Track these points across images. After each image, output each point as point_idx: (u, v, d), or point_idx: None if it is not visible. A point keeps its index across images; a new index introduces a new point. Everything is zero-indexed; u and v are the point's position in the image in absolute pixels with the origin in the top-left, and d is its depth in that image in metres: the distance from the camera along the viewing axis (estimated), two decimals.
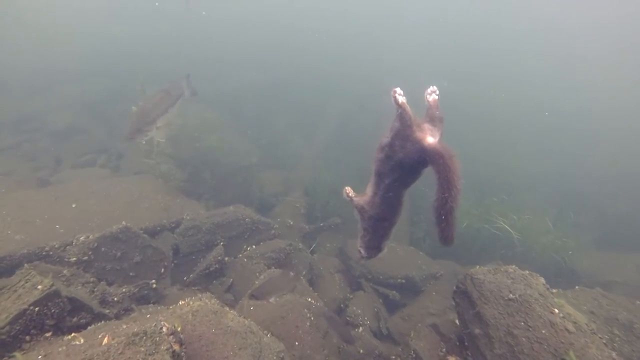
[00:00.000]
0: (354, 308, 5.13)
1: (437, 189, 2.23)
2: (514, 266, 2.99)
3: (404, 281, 5.75)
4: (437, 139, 2.33)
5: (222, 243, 5.24)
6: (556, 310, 2.55)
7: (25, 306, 2.61)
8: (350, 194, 3.00)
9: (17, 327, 2.55)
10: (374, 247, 3.03)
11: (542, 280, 2.92)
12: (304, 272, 5.40)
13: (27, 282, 2.73)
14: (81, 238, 4.37)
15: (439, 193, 2.21)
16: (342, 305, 5.27)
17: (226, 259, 5.08)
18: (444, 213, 2.17)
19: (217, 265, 4.88)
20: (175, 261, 5.04)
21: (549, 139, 10.56)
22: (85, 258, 4.21)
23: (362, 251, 3.07)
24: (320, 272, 5.59)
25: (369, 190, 2.81)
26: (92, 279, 4.14)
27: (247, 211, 5.60)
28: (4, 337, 2.49)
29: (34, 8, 14.69)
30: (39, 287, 2.66)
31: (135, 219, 5.00)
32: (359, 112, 9.47)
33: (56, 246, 4.22)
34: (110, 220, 4.86)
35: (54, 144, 7.86)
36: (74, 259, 4.18)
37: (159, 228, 5.09)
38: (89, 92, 9.91)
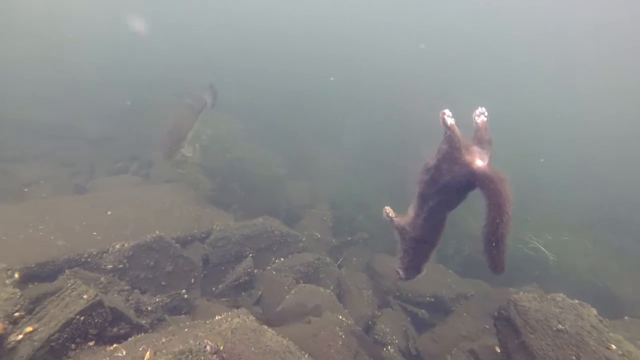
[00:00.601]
0: (382, 326, 5.02)
1: (487, 214, 2.17)
2: (561, 294, 2.85)
3: (433, 300, 5.62)
4: (486, 162, 2.27)
5: (250, 255, 5.26)
6: (613, 347, 2.40)
7: (72, 315, 2.68)
8: (390, 214, 2.95)
9: (65, 335, 2.62)
10: (414, 268, 2.97)
11: (594, 311, 2.77)
12: (331, 287, 5.35)
13: (73, 291, 2.80)
14: (117, 246, 4.48)
15: (489, 219, 2.14)
16: (369, 323, 5.17)
17: (255, 271, 5.09)
18: (495, 240, 2.10)
19: (246, 277, 4.89)
20: (204, 271, 5.08)
21: (583, 151, 10.16)
22: (121, 266, 4.29)
23: (401, 272, 3.01)
24: (348, 288, 5.53)
25: (411, 212, 2.76)
26: (126, 287, 4.22)
27: (276, 223, 5.61)
28: (53, 344, 2.56)
29: (60, 23, 15.42)
30: (85, 296, 2.73)
31: (167, 228, 5.09)
32: (384, 124, 9.43)
33: (94, 253, 4.33)
34: (143, 228, 4.96)
35: (88, 151, 8.13)
36: (110, 266, 4.28)
37: (189, 238, 5.15)
38: (118, 101, 10.28)
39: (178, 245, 4.75)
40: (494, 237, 2.08)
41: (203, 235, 5.30)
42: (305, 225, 6.54)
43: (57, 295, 2.86)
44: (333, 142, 8.69)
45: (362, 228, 6.75)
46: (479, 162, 2.23)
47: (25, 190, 6.44)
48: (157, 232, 4.64)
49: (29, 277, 3.86)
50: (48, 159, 7.64)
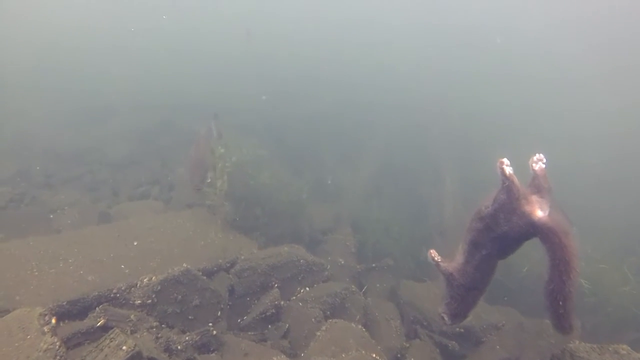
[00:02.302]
0: (412, 359, 4.85)
1: (551, 269, 2.05)
2: (625, 346, 2.68)
3: (462, 330, 5.41)
4: (547, 213, 2.16)
5: (276, 285, 5.17)
6: None
7: None
8: (436, 258, 2.84)
9: None
10: (460, 315, 2.85)
11: None
12: (357, 317, 5.21)
13: (112, 342, 2.74)
14: (145, 280, 4.44)
15: (554, 275, 2.02)
16: (398, 355, 4.99)
17: (282, 302, 4.98)
18: (562, 299, 1.97)
19: (273, 310, 4.80)
20: (230, 302, 5.00)
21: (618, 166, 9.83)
22: (149, 301, 4.25)
23: (447, 318, 2.88)
24: (375, 318, 5.37)
25: (460, 258, 2.65)
26: (155, 324, 4.18)
27: (301, 252, 5.53)
28: None
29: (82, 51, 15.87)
30: (124, 347, 2.66)
31: (193, 258, 5.05)
32: (404, 146, 9.35)
33: (123, 288, 4.30)
34: (169, 259, 4.94)
35: (111, 175, 8.23)
36: (139, 301, 4.23)
37: (215, 268, 5.10)
38: (140, 125, 10.43)
39: (205, 277, 4.69)
40: (560, 295, 1.96)
41: (228, 265, 5.25)
42: (328, 251, 6.44)
43: (95, 345, 2.80)
44: (354, 164, 8.63)
45: (386, 253, 6.61)
46: (540, 213, 2.13)
47: (51, 216, 6.52)
48: (184, 264, 4.59)
49: (60, 316, 3.84)
50: (73, 184, 7.75)
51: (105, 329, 3.83)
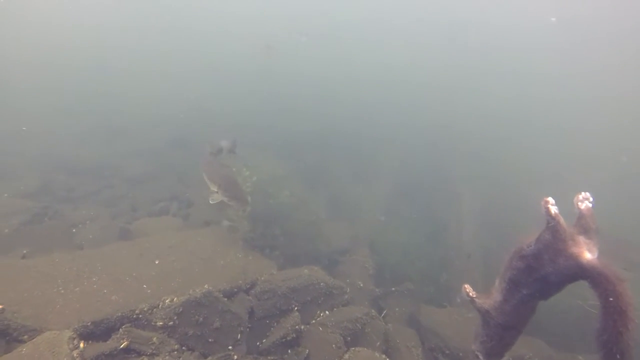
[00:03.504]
0: None
1: (603, 317, 1.95)
2: None
3: None
4: (595, 255, 2.08)
5: (296, 309, 5.10)
6: None
7: None
8: (470, 294, 2.76)
9: None
10: (496, 354, 2.73)
11: None
12: (377, 343, 5.10)
13: None
14: (167, 301, 4.44)
15: (606, 324, 1.92)
16: None
17: (302, 327, 4.90)
18: (619, 351, 1.86)
19: (294, 335, 4.72)
20: (249, 325, 4.94)
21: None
22: (171, 323, 4.22)
23: (481, 357, 2.77)
24: (396, 345, 5.24)
25: (497, 296, 2.56)
26: (176, 346, 4.15)
27: (321, 274, 5.47)
28: None
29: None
30: None
31: (213, 278, 5.03)
32: (419, 164, 9.29)
33: (145, 309, 4.29)
34: (190, 280, 4.93)
35: (129, 190, 8.34)
36: (160, 323, 4.21)
37: (235, 289, 5.07)
38: (157, 141, 10.62)
39: (226, 299, 4.66)
40: (617, 348, 1.86)
41: (248, 286, 5.21)
42: (346, 273, 6.37)
43: None
44: (370, 181, 8.59)
45: (405, 276, 6.49)
46: (588, 255, 2.05)
47: (74, 230, 6.60)
48: (205, 286, 4.58)
49: (84, 336, 3.84)
50: (92, 199, 7.87)
51: (127, 351, 3.82)
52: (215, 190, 4.92)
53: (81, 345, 3.08)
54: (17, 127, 10.19)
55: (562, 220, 2.12)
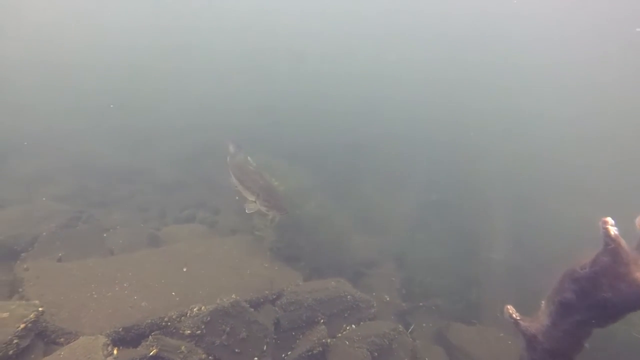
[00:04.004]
0: None
1: None
2: None
3: None
4: None
5: (322, 321, 5.02)
6: None
7: None
8: (514, 316, 2.61)
9: None
10: None
11: None
12: None
13: None
14: (195, 309, 4.45)
15: None
16: None
17: (328, 340, 4.81)
18: None
19: (320, 348, 4.65)
20: (274, 336, 4.89)
21: None
22: (199, 332, 4.22)
23: None
24: None
25: (546, 319, 2.41)
26: (203, 356, 4.14)
27: (348, 287, 5.39)
28: None
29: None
30: None
31: (240, 288, 5.03)
32: (448, 179, 9.06)
33: (174, 317, 4.33)
34: (217, 288, 4.95)
35: (160, 196, 8.54)
36: (188, 331, 4.22)
37: (261, 300, 5.04)
38: (189, 146, 10.85)
39: (252, 309, 4.64)
40: None
41: (274, 297, 5.18)
42: (372, 286, 6.25)
43: None
44: (397, 194, 8.44)
45: (434, 291, 6.29)
46: None
47: (105, 235, 6.78)
48: (233, 295, 4.57)
49: (115, 342, 3.90)
50: (126, 204, 8.10)
51: (156, 358, 3.84)
52: (254, 199, 4.91)
53: (115, 351, 3.12)
54: (55, 131, 10.58)
55: (623, 242, 1.97)
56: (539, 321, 2.45)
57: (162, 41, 22.13)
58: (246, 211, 5.25)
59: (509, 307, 2.66)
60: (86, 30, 22.11)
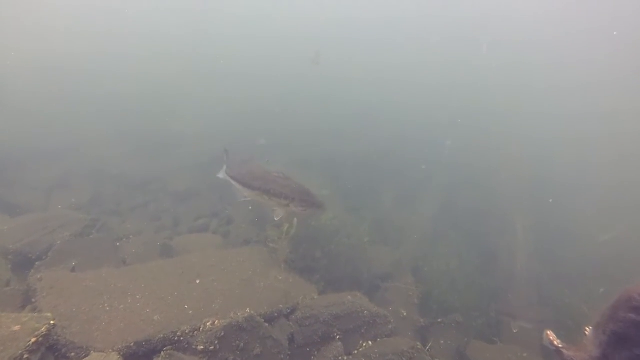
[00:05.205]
0: None
1: None
2: None
3: None
4: None
5: (338, 337, 4.84)
6: None
7: None
8: (556, 343, 2.38)
9: None
10: None
11: None
12: None
13: None
14: (208, 324, 4.33)
15: None
16: None
17: (345, 358, 4.62)
18: None
19: None
20: (289, 352, 4.72)
21: None
22: (212, 348, 4.10)
23: None
24: None
25: (595, 350, 2.18)
26: None
27: (365, 301, 5.21)
28: None
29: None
30: None
31: (254, 301, 4.89)
32: (466, 188, 8.80)
33: (187, 331, 4.21)
34: (231, 302, 4.83)
35: (173, 205, 8.50)
36: (202, 347, 4.10)
37: (276, 314, 4.89)
38: (201, 155, 10.82)
39: (267, 325, 4.49)
40: None
41: (289, 311, 5.02)
42: (389, 300, 6.04)
43: None
44: (413, 204, 8.23)
45: (453, 307, 6.05)
46: None
47: (118, 244, 6.75)
48: (247, 310, 4.44)
49: (126, 357, 3.79)
50: (138, 213, 8.08)
51: None
52: (287, 204, 4.76)
53: None
54: (73, 137, 10.67)
55: None
56: (587, 351, 2.23)
57: (184, 49, 22.40)
58: (275, 218, 5.09)
59: (549, 332, 2.43)
60: (101, 37, 22.51)
